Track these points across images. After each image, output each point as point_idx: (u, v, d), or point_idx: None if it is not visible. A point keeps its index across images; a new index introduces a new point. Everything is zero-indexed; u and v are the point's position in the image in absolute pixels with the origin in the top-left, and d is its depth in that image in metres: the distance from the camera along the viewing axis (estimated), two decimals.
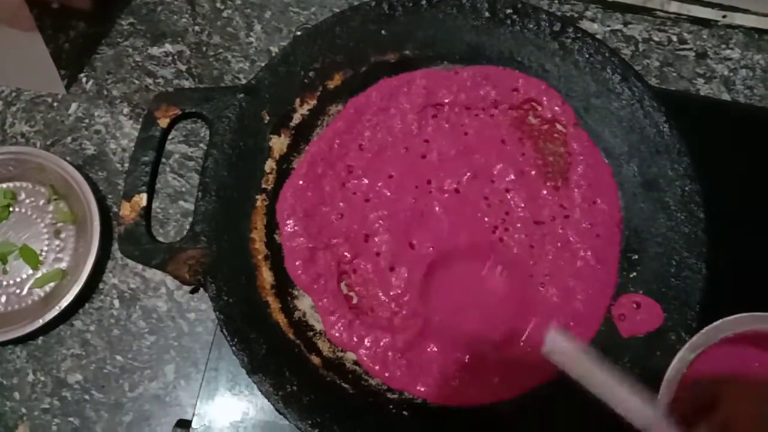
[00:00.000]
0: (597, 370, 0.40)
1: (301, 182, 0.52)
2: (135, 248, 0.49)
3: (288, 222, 0.51)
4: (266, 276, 0.51)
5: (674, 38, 0.68)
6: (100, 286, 0.60)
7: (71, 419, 0.57)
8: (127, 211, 0.49)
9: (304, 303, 0.51)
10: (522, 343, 0.49)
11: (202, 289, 0.49)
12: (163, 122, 0.51)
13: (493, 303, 0.51)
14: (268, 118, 0.53)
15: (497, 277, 0.52)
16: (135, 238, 0.49)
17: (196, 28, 0.69)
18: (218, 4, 0.69)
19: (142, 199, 0.50)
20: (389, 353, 0.49)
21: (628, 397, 0.38)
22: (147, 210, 0.50)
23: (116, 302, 0.60)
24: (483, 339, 0.50)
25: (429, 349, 0.49)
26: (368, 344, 0.49)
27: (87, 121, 0.65)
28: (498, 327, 0.50)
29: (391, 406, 0.48)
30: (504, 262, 0.52)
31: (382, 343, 0.49)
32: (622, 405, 0.38)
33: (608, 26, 0.69)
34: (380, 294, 0.51)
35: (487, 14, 0.56)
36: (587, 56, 0.54)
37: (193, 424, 0.53)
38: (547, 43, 0.55)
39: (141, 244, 0.49)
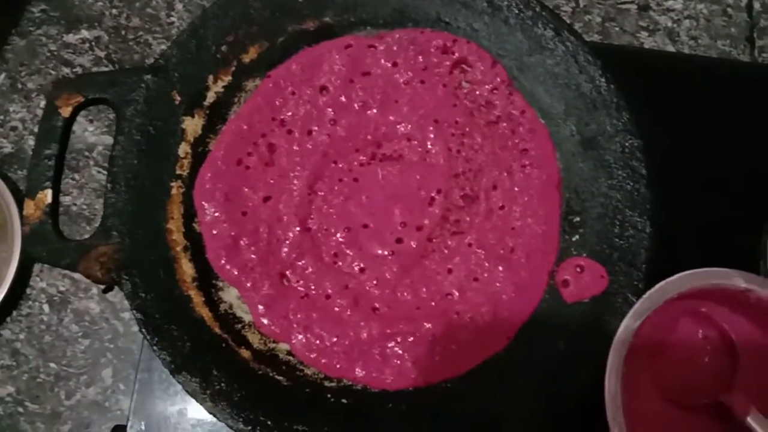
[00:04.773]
0: None
1: (219, 163, 0.49)
2: (43, 249, 0.46)
3: (207, 208, 0.48)
4: (186, 268, 0.48)
5: None
6: (28, 291, 0.57)
7: None
8: (32, 209, 0.46)
9: (230, 294, 0.48)
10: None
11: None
12: (65, 111, 0.48)
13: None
14: (179, 98, 0.50)
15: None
16: (42, 237, 0.46)
17: (114, 11, 0.65)
18: None
19: (47, 195, 0.47)
20: (324, 340, 0.46)
21: None
22: (53, 207, 0.47)
23: (46, 307, 0.57)
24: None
25: (367, 333, 0.47)
26: (302, 332, 0.46)
27: (2, 117, 0.62)
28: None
29: (329, 395, 0.46)
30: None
31: (316, 330, 0.46)
32: None
33: None
34: (313, 277, 0.48)
35: None
36: (517, 12, 0.52)
37: (128, 430, 0.50)
38: (475, 1, 0.52)
39: (49, 243, 0.46)
